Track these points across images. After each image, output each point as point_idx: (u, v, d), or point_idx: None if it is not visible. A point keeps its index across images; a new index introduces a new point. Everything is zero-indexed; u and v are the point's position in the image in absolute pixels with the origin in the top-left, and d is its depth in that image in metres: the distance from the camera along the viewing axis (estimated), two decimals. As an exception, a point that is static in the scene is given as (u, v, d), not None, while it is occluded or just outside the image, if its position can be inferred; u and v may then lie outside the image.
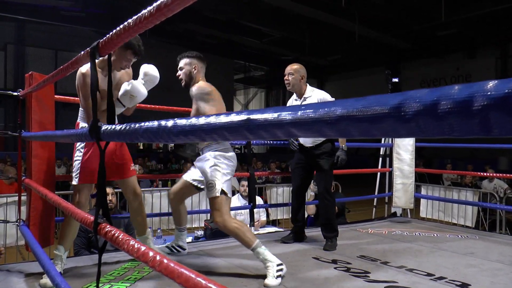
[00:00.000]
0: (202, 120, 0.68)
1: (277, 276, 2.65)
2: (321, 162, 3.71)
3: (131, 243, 1.12)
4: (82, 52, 1.48)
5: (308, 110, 0.50)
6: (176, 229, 3.36)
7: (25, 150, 3.19)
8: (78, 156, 2.78)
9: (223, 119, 0.63)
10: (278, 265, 2.69)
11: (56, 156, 3.32)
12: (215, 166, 2.90)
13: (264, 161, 13.78)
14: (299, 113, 0.51)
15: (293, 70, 3.67)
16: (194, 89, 3.02)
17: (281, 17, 16.43)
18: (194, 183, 3.22)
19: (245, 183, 4.93)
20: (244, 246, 2.79)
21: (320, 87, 19.65)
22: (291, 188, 4.16)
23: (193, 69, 3.11)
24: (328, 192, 3.76)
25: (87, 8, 15.46)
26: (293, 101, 3.81)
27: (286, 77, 3.71)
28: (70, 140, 1.54)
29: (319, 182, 3.81)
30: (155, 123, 0.83)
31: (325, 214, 3.76)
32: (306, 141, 3.74)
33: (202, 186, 3.18)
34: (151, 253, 1.05)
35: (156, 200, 5.24)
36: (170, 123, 0.77)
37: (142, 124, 0.89)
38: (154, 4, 0.98)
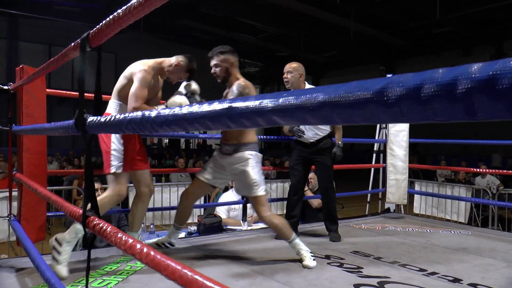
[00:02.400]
0: (184, 110, 0.66)
1: (313, 260, 2.98)
2: (323, 157, 3.79)
3: (119, 235, 1.10)
4: (73, 44, 1.46)
5: (290, 97, 0.48)
6: (173, 226, 3.34)
7: (16, 144, 3.16)
8: (116, 146, 2.85)
9: (206, 108, 0.61)
10: (310, 252, 3.02)
11: (48, 153, 3.30)
12: (257, 165, 3.06)
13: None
14: (281, 100, 0.49)
15: (292, 69, 3.67)
16: (235, 87, 3.01)
17: (277, 14, 16.39)
18: (211, 182, 3.26)
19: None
20: (238, 242, 2.78)
21: (316, 83, 19.65)
22: (284, 184, 4.17)
23: (230, 66, 3.10)
24: (332, 186, 3.90)
25: (82, 3, 15.37)
26: None
27: (285, 75, 3.72)
28: (58, 133, 1.52)
29: (322, 176, 3.90)
30: (139, 113, 0.82)
31: (329, 208, 3.90)
32: (308, 137, 3.77)
33: (217, 185, 3.41)
34: (138, 245, 1.03)
35: (149, 196, 5.21)
36: (153, 113, 0.76)
37: (126, 115, 0.87)
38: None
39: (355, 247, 3.53)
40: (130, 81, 2.84)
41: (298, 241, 3.02)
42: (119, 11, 1.09)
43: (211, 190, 3.51)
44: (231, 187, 5.22)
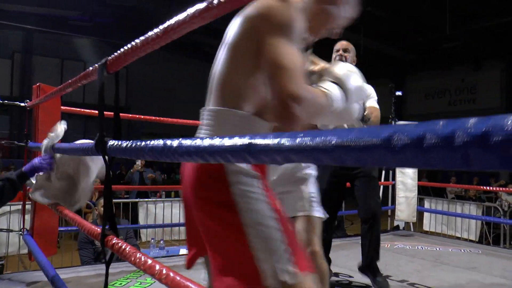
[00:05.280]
0: (206, 142, 0.71)
1: None
2: (365, 169, 2.94)
3: (137, 255, 1.15)
4: (91, 68, 1.52)
5: (306, 138, 0.53)
6: None
7: (30, 160, 3.22)
8: None
9: (226, 142, 0.66)
10: None
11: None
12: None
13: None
14: (297, 140, 0.54)
15: (351, 49, 2.96)
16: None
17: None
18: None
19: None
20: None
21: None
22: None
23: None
24: (380, 209, 3.07)
25: (95, 18, 15.64)
26: None
27: (341, 52, 2.92)
28: (78, 154, 1.57)
29: (367, 195, 2.96)
30: (161, 142, 0.87)
31: (374, 241, 2.96)
32: None
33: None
34: (157, 266, 1.08)
35: (159, 211, 5.26)
36: (175, 143, 0.81)
37: (148, 142, 0.92)
38: (161, 27, 1.02)
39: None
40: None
41: None
42: (137, 40, 1.15)
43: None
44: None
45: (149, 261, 1.09)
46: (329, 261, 2.84)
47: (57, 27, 15.79)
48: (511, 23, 12.24)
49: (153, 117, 3.89)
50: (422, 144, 0.41)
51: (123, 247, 1.19)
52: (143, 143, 0.94)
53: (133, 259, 1.13)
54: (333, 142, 0.49)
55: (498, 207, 7.09)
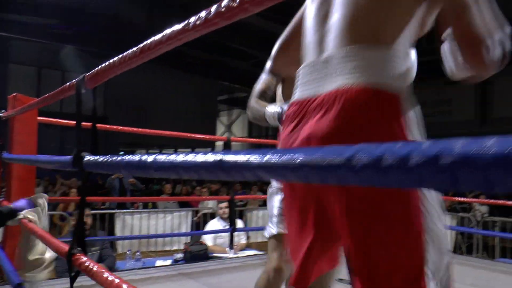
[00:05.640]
0: (180, 158, 0.73)
1: None
2: None
3: (104, 275, 1.15)
4: (68, 84, 1.53)
5: (274, 156, 0.55)
6: None
7: (5, 170, 3.18)
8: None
9: (200, 158, 0.68)
10: None
11: (36, 175, 3.32)
12: None
13: (245, 183, 13.55)
14: (265, 158, 0.56)
15: None
16: None
17: (267, 40, 16.64)
18: None
19: (223, 205, 4.95)
20: (225, 270, 2.80)
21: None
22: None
23: None
24: None
25: (74, 25, 15.47)
26: None
27: None
28: (53, 167, 1.57)
29: None
30: (136, 157, 0.88)
31: None
32: None
33: None
34: (125, 286, 1.08)
35: (136, 222, 5.22)
36: (150, 158, 0.82)
37: (124, 157, 0.93)
38: (140, 45, 1.04)
39: (340, 274, 3.56)
40: None
41: None
42: (115, 59, 1.17)
43: None
44: (217, 214, 5.24)
45: (116, 281, 1.09)
46: None
47: (34, 35, 15.58)
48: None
49: (132, 128, 3.86)
50: (380, 164, 0.44)
51: (91, 266, 1.19)
52: (119, 158, 0.96)
53: (100, 279, 1.13)
54: (299, 160, 0.52)
55: (471, 217, 7.23)
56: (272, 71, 1.46)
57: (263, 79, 1.67)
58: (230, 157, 0.62)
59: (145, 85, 18.55)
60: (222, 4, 0.86)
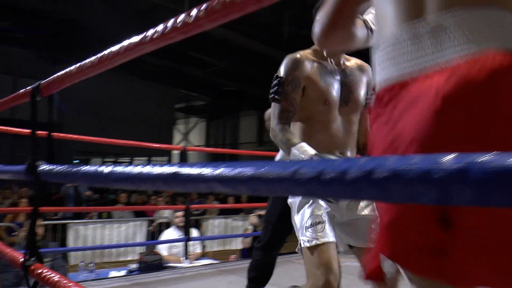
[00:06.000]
0: (136, 170, 0.76)
1: None
2: None
3: (68, 284, 1.14)
4: (22, 91, 1.51)
5: (226, 169, 0.59)
6: None
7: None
8: None
9: (156, 170, 0.71)
10: None
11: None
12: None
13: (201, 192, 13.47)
14: (218, 171, 0.60)
15: None
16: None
17: (226, 49, 16.71)
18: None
19: (179, 214, 4.93)
20: (180, 280, 2.80)
21: (261, 118, 19.99)
22: (226, 220, 4.15)
23: None
24: None
25: (27, 29, 14.96)
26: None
27: None
28: (7, 176, 1.54)
29: None
30: (92, 168, 0.89)
31: None
32: None
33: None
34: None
35: (90, 232, 5.10)
36: (107, 169, 0.84)
37: (81, 168, 0.94)
38: (98, 55, 1.06)
39: (294, 281, 3.62)
40: None
41: None
42: (73, 67, 1.17)
43: None
44: (173, 224, 5.21)
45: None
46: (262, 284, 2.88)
47: (-16, 38, 14.97)
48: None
49: (86, 137, 3.78)
50: (320, 178, 0.48)
51: (49, 275, 1.18)
52: (75, 168, 0.96)
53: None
54: (249, 173, 0.56)
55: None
56: (322, 46, 1.15)
57: (286, 95, 1.68)
58: (185, 170, 0.66)
59: (102, 91, 18.10)
60: (178, 20, 0.89)
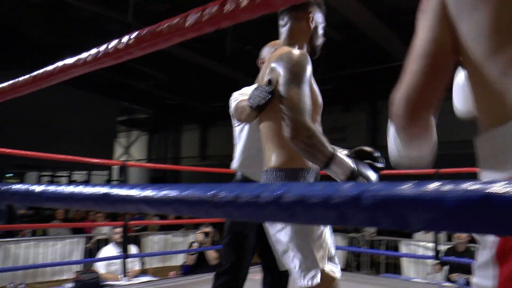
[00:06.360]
0: (68, 189, 0.78)
1: None
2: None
3: None
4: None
5: (152, 192, 0.63)
6: None
7: None
8: None
9: (86, 190, 0.74)
10: None
11: None
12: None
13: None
14: (145, 193, 0.64)
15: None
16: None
17: (168, 61, 16.61)
18: None
19: (118, 230, 4.82)
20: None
21: (204, 132, 19.93)
22: (166, 236, 4.09)
23: None
24: None
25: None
26: None
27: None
28: None
29: None
30: (23, 187, 0.90)
31: None
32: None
33: None
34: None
35: (20, 251, 4.86)
36: (39, 188, 0.85)
37: (11, 186, 0.94)
38: (31, 74, 1.06)
39: None
40: None
41: None
42: (5, 84, 1.17)
43: None
44: (112, 241, 5.09)
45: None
46: None
47: None
48: (375, 71, 13.73)
49: (21, 151, 3.62)
50: (236, 201, 0.54)
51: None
52: (5, 186, 0.96)
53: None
54: (173, 196, 0.60)
55: (360, 238, 7.79)
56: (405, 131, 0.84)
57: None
58: (115, 190, 0.69)
59: (40, 102, 17.37)
60: (110, 46, 0.93)
